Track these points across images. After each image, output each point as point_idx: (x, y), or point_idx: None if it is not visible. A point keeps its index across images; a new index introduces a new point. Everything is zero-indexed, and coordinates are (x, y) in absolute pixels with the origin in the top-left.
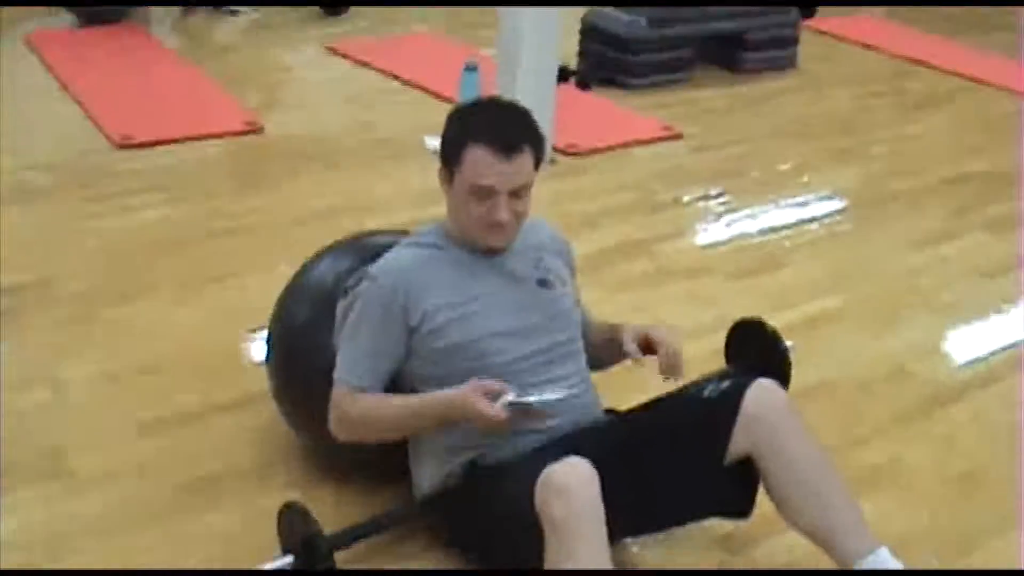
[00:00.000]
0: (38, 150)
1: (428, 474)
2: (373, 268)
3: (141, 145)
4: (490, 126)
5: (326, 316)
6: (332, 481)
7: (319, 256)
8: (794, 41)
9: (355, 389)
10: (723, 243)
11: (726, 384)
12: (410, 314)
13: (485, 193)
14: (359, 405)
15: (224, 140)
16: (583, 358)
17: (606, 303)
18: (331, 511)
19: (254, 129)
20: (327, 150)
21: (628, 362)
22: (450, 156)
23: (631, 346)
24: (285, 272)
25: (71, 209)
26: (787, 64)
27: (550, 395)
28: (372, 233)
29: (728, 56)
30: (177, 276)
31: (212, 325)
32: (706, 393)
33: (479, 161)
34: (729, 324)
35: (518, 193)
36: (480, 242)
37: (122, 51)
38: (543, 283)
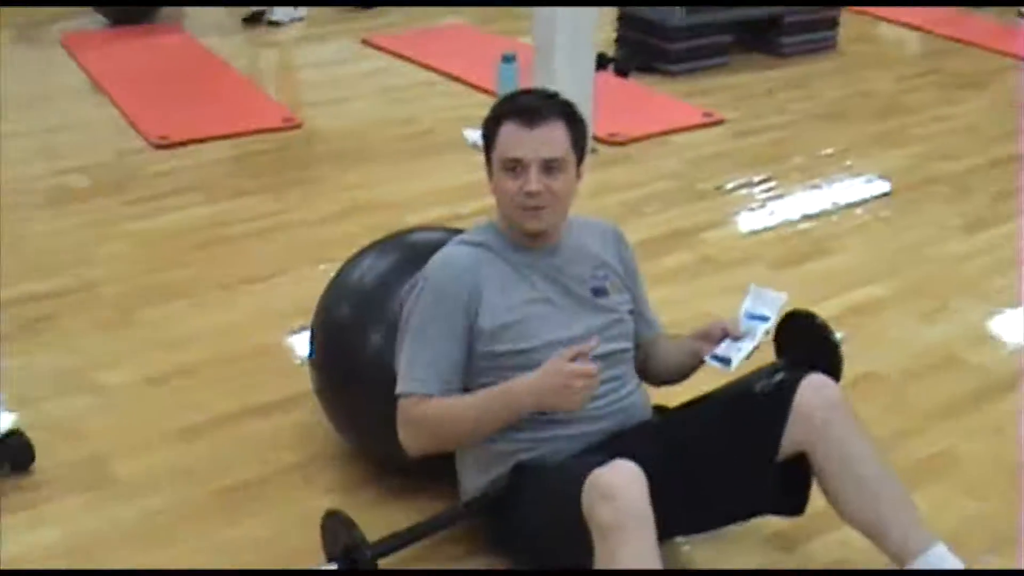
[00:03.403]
0: (75, 153)
1: (477, 479)
2: (426, 269)
3: (178, 144)
4: (517, 103)
5: (369, 314)
6: (374, 482)
7: (362, 253)
8: (833, 23)
9: (423, 398)
10: (767, 231)
11: (777, 379)
12: (470, 312)
13: (515, 166)
14: (431, 412)
15: (262, 137)
16: (633, 362)
17: (649, 295)
18: (374, 513)
19: (292, 125)
20: (365, 145)
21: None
22: (487, 142)
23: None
24: (324, 271)
25: (108, 212)
26: (827, 46)
27: None
28: (414, 230)
29: (767, 40)
30: (216, 277)
31: (252, 326)
32: (757, 389)
33: (507, 135)
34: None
35: (550, 168)
36: (520, 226)
37: (156, 50)
38: (598, 291)
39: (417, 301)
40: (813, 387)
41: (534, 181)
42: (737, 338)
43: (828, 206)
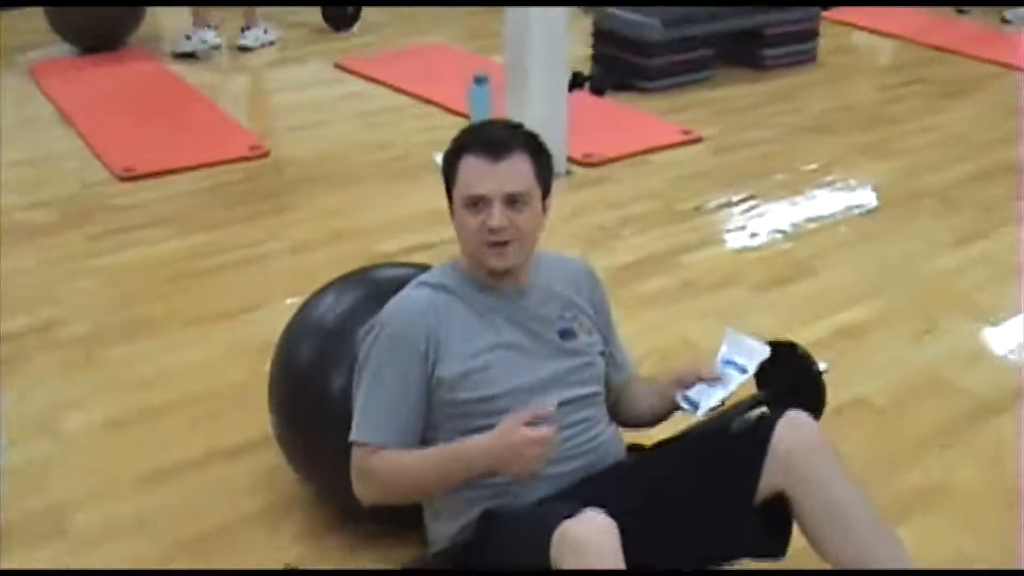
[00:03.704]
0: (40, 186)
1: (444, 528)
2: (383, 313)
3: (144, 176)
4: (478, 135)
5: (330, 355)
6: (342, 528)
7: (322, 291)
8: (814, 34)
9: (376, 448)
10: (749, 251)
11: (754, 418)
12: (427, 360)
13: (478, 201)
14: (384, 464)
15: (231, 166)
16: (603, 404)
17: (627, 322)
18: (342, 560)
19: (260, 154)
20: (336, 171)
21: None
22: (448, 177)
23: (675, 391)
24: (293, 304)
25: (73, 247)
26: (808, 58)
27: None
28: (379, 266)
29: (747, 53)
30: (183, 313)
31: (220, 364)
32: (733, 428)
33: (469, 169)
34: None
35: (514, 202)
36: (484, 264)
37: (124, 78)
38: (565, 334)
39: (373, 347)
40: (791, 425)
41: (497, 216)
42: (711, 382)
43: (812, 224)
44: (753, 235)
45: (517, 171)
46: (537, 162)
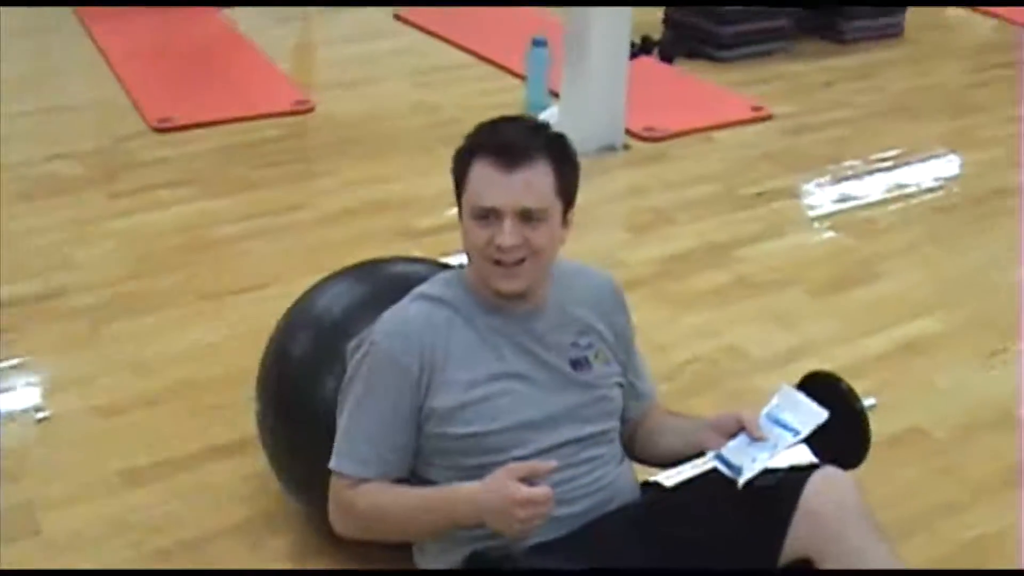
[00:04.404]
0: (71, 136)
1: (431, 564)
2: (376, 329)
3: (180, 128)
4: (496, 136)
5: (326, 355)
6: (331, 549)
7: (326, 283)
8: (901, 7)
9: (357, 481)
10: (811, 247)
11: (783, 472)
12: (420, 387)
13: (488, 215)
14: (364, 500)
15: (271, 121)
16: (618, 440)
17: (671, 323)
18: None
19: (304, 109)
20: (381, 134)
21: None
22: (458, 179)
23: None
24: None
25: (94, 206)
26: (894, 32)
27: None
28: (391, 260)
29: (828, 25)
30: (198, 285)
31: (232, 345)
32: (759, 481)
33: (480, 176)
34: (809, 352)
35: (530, 218)
36: (491, 284)
37: (172, 22)
38: (578, 364)
39: (361, 366)
40: (824, 483)
41: (508, 234)
42: (754, 439)
43: (882, 220)
44: (817, 229)
45: (535, 183)
46: (560, 172)
